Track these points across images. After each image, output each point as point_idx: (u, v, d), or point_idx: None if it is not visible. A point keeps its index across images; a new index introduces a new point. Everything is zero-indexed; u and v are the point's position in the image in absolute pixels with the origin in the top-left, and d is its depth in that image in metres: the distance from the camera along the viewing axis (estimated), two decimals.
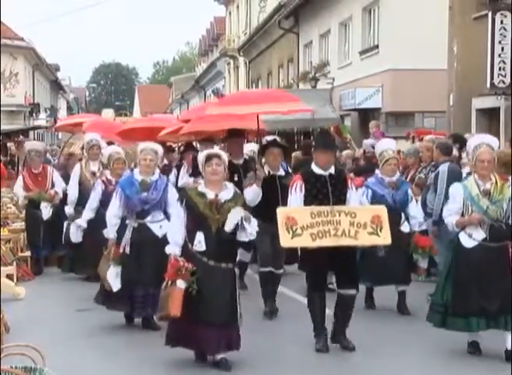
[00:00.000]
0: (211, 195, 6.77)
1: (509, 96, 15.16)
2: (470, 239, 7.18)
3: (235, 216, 6.77)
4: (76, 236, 10.89)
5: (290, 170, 10.17)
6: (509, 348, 7.12)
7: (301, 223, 7.12)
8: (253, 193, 8.52)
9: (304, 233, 7.11)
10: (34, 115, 42.39)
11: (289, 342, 7.88)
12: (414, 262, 9.04)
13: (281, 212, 7.25)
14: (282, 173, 9.08)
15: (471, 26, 16.47)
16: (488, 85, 15.14)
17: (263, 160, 9.14)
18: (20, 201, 12.56)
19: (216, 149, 7.17)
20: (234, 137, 9.94)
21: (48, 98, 54.17)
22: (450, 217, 7.29)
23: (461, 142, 11.60)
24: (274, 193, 8.72)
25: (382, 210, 7.46)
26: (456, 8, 17.21)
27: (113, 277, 8.12)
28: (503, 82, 15.03)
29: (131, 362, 7.27)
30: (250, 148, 12.41)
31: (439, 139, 11.72)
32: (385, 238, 7.31)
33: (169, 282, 6.63)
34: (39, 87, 48.71)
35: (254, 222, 6.95)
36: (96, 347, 7.80)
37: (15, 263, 11.12)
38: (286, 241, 7.15)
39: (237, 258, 9.63)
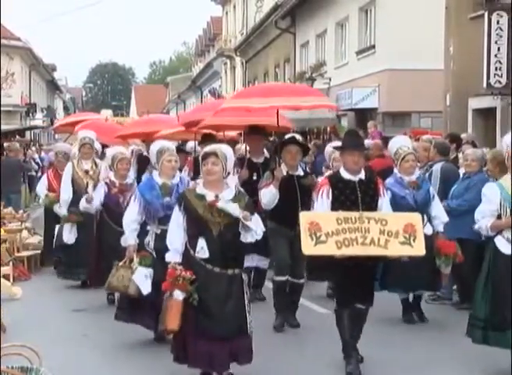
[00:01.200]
0: (210, 197, 6.18)
1: (505, 96, 15.19)
2: (508, 243, 6.56)
3: (233, 210, 6.19)
4: (68, 237, 10.69)
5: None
6: None
7: (326, 230, 6.48)
8: (270, 194, 8.08)
9: (328, 240, 6.47)
10: (31, 115, 42.34)
11: (310, 360, 7.29)
12: (437, 268, 8.39)
13: (304, 217, 6.65)
14: (300, 173, 8.39)
15: (468, 26, 16.49)
16: (485, 85, 15.18)
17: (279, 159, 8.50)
18: (41, 200, 12.52)
19: (215, 146, 6.49)
20: (254, 133, 9.48)
21: (44, 98, 54.12)
22: (484, 220, 6.68)
23: (458, 142, 11.62)
24: (292, 195, 8.14)
25: (416, 218, 6.75)
26: (453, 8, 17.23)
27: (142, 279, 7.32)
28: (500, 82, 15.07)
29: (128, 362, 7.26)
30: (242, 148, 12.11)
31: (436, 139, 11.73)
32: (418, 249, 6.58)
33: (168, 293, 6.12)
34: (35, 87, 48.67)
35: (257, 218, 6.38)
36: (92, 347, 7.80)
37: (11, 263, 11.11)
38: (308, 248, 6.48)
39: (253, 264, 9.36)
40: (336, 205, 6.75)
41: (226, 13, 45.67)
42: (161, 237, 7.17)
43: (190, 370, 6.33)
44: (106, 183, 9.65)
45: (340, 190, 6.79)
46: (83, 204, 9.88)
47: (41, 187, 12.26)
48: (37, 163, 25.77)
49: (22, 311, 9.14)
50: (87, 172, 10.90)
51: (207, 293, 6.09)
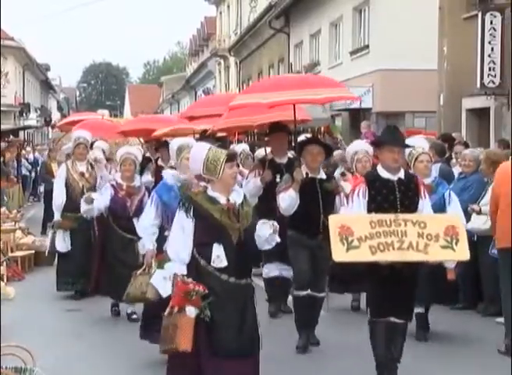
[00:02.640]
0: (223, 200, 5.51)
1: (499, 96, 15.22)
2: None
3: (264, 231, 5.56)
4: (62, 245, 10.00)
5: None
6: None
7: (358, 234, 5.91)
8: (289, 199, 7.38)
9: (361, 245, 5.89)
10: (24, 115, 42.29)
11: None
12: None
13: (333, 220, 6.07)
14: (323, 175, 7.64)
15: (461, 26, 16.52)
16: (478, 85, 15.20)
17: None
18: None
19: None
20: (277, 131, 8.67)
21: (38, 97, 54.06)
22: None
23: (450, 142, 11.66)
24: (313, 200, 7.40)
25: (457, 219, 6.24)
26: (446, 9, 17.26)
27: (160, 281, 6.40)
28: (493, 82, 15.10)
29: (122, 361, 7.26)
30: (241, 147, 11.81)
31: (430, 139, 11.75)
32: (462, 253, 6.04)
33: (176, 309, 5.34)
34: (29, 87, 48.63)
35: (275, 224, 5.67)
36: (86, 347, 7.79)
37: (5, 263, 11.09)
38: (339, 254, 5.89)
39: (276, 273, 8.69)
40: (372, 207, 6.19)
41: (220, 13, 45.67)
42: None
43: None
44: (112, 185, 8.84)
45: (377, 190, 6.22)
46: (83, 207, 9.04)
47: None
48: (31, 163, 25.71)
49: (15, 311, 9.12)
50: (82, 174, 10.17)
51: (222, 306, 5.41)
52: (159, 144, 12.08)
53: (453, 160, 11.06)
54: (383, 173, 6.28)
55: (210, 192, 5.52)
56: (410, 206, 6.21)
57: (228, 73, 42.75)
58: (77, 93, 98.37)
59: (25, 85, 45.85)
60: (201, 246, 5.48)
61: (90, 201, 8.90)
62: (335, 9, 24.10)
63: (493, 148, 11.86)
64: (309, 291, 7.50)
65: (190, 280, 5.38)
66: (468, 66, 15.53)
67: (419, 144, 7.84)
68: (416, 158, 7.61)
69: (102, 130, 13.24)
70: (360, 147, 8.82)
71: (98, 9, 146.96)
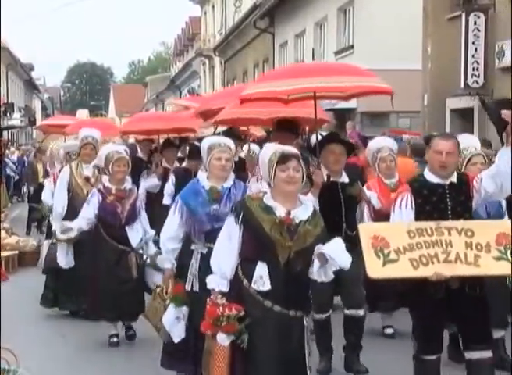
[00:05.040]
0: (280, 212, 4.62)
1: (482, 96, 15.30)
2: None
3: (344, 261, 4.58)
4: (66, 260, 8.30)
5: None
6: None
7: (395, 245, 5.09)
8: None
9: (400, 258, 5.07)
10: (8, 114, 42.09)
11: None
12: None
13: (365, 230, 5.24)
14: (345, 179, 6.65)
15: (445, 26, 16.60)
16: (462, 85, 15.30)
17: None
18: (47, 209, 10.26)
19: (290, 147, 4.89)
20: (284, 130, 7.45)
21: (22, 97, 53.84)
22: None
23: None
24: (335, 206, 6.44)
25: (508, 226, 5.30)
26: (430, 9, 17.35)
27: (172, 323, 5.74)
28: (477, 82, 15.19)
29: (106, 363, 7.23)
30: (246, 148, 10.27)
31: (414, 139, 11.81)
32: None
33: (209, 333, 4.58)
34: (13, 87, 48.41)
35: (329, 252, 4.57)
36: (70, 348, 7.76)
37: None
38: (375, 269, 5.06)
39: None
40: (420, 218, 5.31)
41: (205, 13, 45.63)
42: (208, 259, 5.33)
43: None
44: (99, 190, 7.75)
45: (425, 198, 5.36)
46: (59, 236, 8.02)
47: (47, 195, 9.81)
48: (15, 163, 25.54)
49: None
50: (87, 179, 8.79)
51: (261, 336, 4.54)
52: (164, 145, 11.22)
53: None
54: (431, 178, 5.41)
55: (267, 200, 4.68)
56: (464, 215, 5.32)
57: (213, 73, 42.73)
58: (61, 93, 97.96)
59: (9, 85, 45.63)
60: (245, 262, 4.66)
61: (67, 230, 7.91)
62: (319, 9, 24.15)
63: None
64: (328, 314, 6.58)
65: (223, 300, 4.53)
66: (452, 66, 15.61)
67: (471, 143, 6.83)
68: (468, 161, 6.60)
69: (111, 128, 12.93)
70: (384, 143, 7.87)
71: (82, 9, 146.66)
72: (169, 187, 9.64)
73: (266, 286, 4.55)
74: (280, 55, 29.16)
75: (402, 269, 5.06)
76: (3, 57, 42.59)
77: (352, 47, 21.72)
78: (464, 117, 16.47)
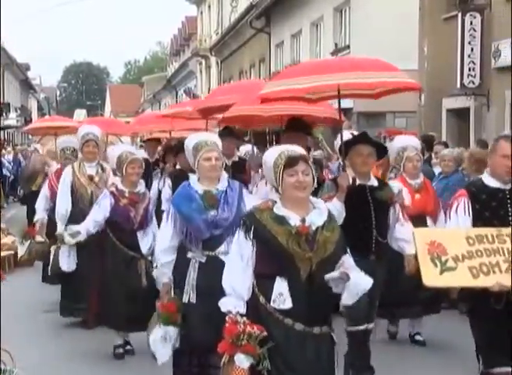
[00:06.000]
0: (295, 221, 4.19)
1: (479, 96, 15.32)
2: None
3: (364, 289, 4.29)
4: (67, 262, 8.09)
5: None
6: None
7: (453, 252, 4.81)
8: (334, 211, 5.08)
9: (459, 266, 4.79)
10: (4, 114, 42.04)
11: None
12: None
13: (421, 235, 4.98)
14: (374, 182, 6.20)
15: (441, 26, 16.62)
16: (458, 85, 15.32)
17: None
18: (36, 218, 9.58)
19: (298, 148, 4.42)
20: (294, 129, 7.01)
21: (18, 97, 53.77)
22: None
23: (430, 143, 11.75)
24: (364, 212, 6.02)
25: None
26: (427, 9, 17.36)
27: (159, 344, 5.31)
28: (473, 82, 15.21)
29: (102, 363, 7.24)
30: (245, 149, 10.62)
31: None
32: None
33: (226, 358, 4.08)
34: (9, 87, 48.35)
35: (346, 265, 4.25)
36: (66, 348, 7.76)
37: None
38: (432, 277, 4.78)
39: None
40: (478, 225, 5.02)
41: (201, 13, 45.63)
42: (206, 268, 5.34)
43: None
44: (112, 192, 7.31)
45: (484, 203, 5.05)
46: (67, 240, 7.61)
47: (41, 203, 9.21)
48: (10, 163, 25.49)
49: None
50: (91, 178, 8.45)
51: (284, 358, 4.11)
52: (178, 147, 9.50)
53: (434, 160, 11.13)
54: (490, 181, 5.11)
55: (277, 209, 4.23)
56: None
57: (209, 73, 42.72)
58: (58, 93, 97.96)
59: (4, 85, 45.58)
60: (261, 278, 4.21)
61: (76, 234, 7.48)
62: (315, 9, 24.15)
63: (473, 148, 11.94)
64: (367, 325, 6.20)
65: (242, 319, 4.09)
66: (448, 66, 15.62)
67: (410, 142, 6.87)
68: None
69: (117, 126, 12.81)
70: (409, 142, 7.68)
71: (79, 9, 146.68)
72: (166, 192, 9.22)
73: (287, 304, 4.13)
74: (276, 55, 29.16)
75: (460, 278, 4.81)
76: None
77: (348, 47, 21.72)
78: (460, 117, 16.49)
